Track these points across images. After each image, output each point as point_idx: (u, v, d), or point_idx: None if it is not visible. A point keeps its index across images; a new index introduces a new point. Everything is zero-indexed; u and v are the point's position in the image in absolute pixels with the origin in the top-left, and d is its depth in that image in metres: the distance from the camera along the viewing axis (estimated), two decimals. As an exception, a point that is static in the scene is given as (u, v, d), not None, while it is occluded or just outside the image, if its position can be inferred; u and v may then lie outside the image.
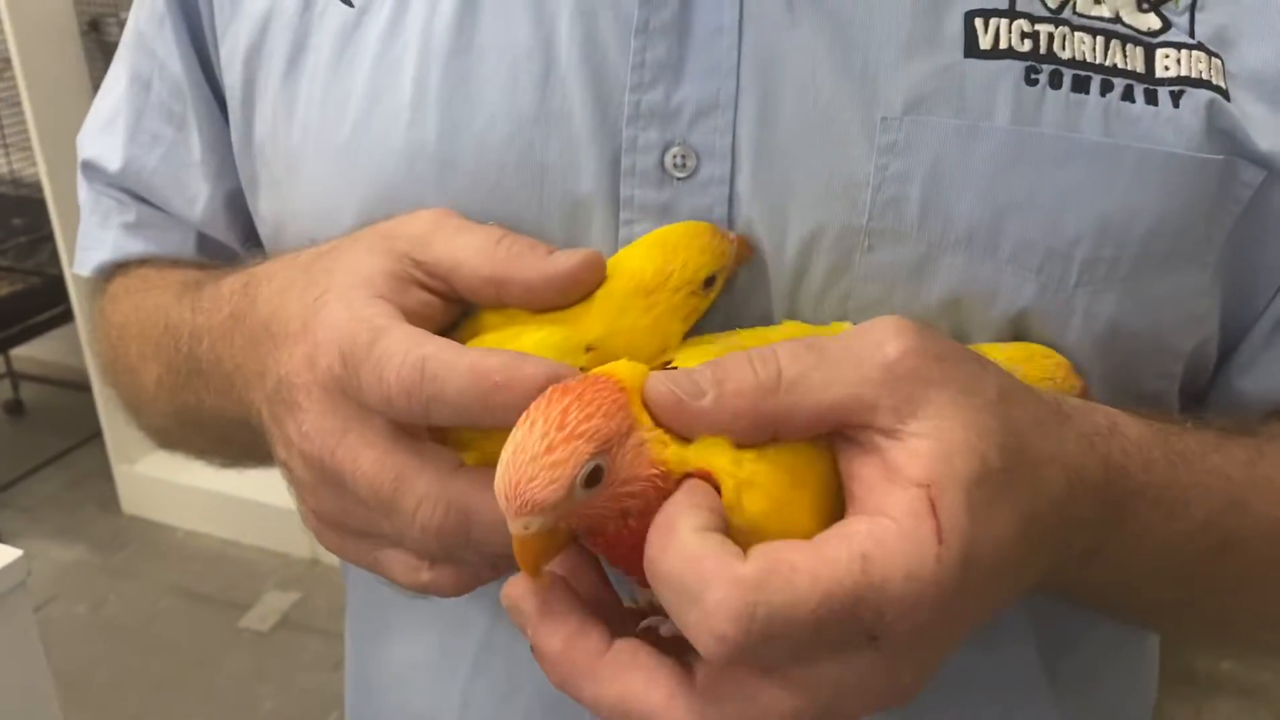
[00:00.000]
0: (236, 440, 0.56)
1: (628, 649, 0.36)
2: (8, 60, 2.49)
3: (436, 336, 0.40)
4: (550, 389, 0.35)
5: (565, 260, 0.43)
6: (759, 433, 0.36)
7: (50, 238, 2.65)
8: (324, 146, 0.50)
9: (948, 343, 0.38)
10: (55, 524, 2.77)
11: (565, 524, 0.35)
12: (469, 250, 0.43)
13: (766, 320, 0.46)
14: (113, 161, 0.62)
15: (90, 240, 0.64)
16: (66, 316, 2.80)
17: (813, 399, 0.36)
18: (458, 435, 0.42)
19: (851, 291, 0.45)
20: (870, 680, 0.35)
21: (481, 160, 0.47)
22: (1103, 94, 0.45)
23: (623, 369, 0.37)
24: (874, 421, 0.36)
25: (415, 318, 0.42)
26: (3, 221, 2.96)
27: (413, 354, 0.39)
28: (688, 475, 0.36)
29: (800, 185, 0.45)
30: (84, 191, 0.65)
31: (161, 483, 2.76)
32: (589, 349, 0.43)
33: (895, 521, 0.34)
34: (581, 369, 0.41)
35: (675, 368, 0.41)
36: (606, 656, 0.36)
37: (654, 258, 0.44)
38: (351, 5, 0.50)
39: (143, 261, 0.63)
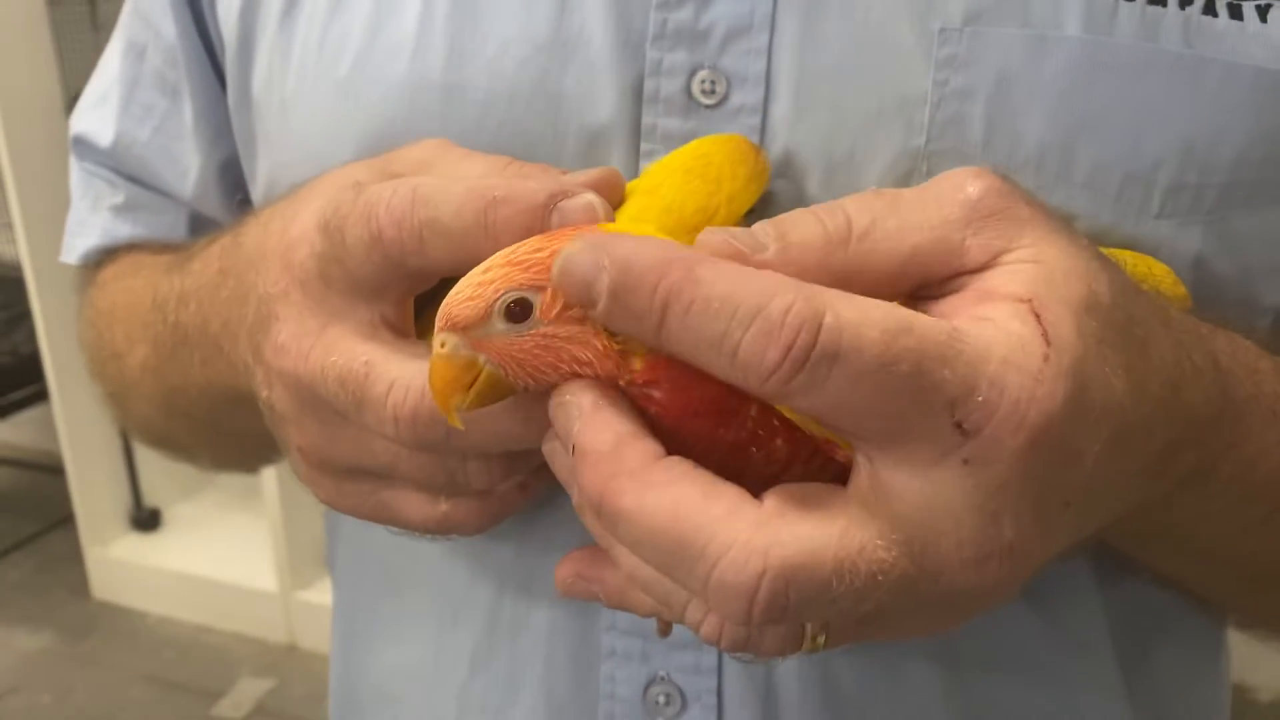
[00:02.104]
0: (222, 424, 0.52)
1: (683, 462, 0.30)
2: (-10, 138, 2.48)
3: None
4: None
5: (580, 178, 0.38)
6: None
7: (28, 315, 2.60)
8: (320, 87, 0.47)
9: (1033, 196, 0.33)
10: (22, 610, 2.66)
11: (492, 363, 0.32)
12: (475, 174, 0.39)
13: None
14: (104, 136, 0.60)
15: (79, 226, 0.62)
16: (41, 396, 2.74)
17: (889, 246, 0.31)
18: None
19: None
20: (964, 511, 0.29)
21: (491, 90, 0.43)
22: (1182, 6, 0.41)
23: (631, 225, 0.33)
24: (963, 266, 0.31)
25: None
26: (-20, 299, 2.92)
27: (404, 184, 0.36)
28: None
29: (848, 108, 0.41)
30: (75, 172, 0.63)
31: (134, 566, 2.67)
32: None
33: (994, 321, 0.29)
34: None
35: None
36: (662, 462, 0.30)
37: (695, 190, 0.39)
38: None
39: (132, 247, 0.60)
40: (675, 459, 0.30)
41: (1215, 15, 0.41)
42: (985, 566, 0.29)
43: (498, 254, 0.32)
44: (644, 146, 0.42)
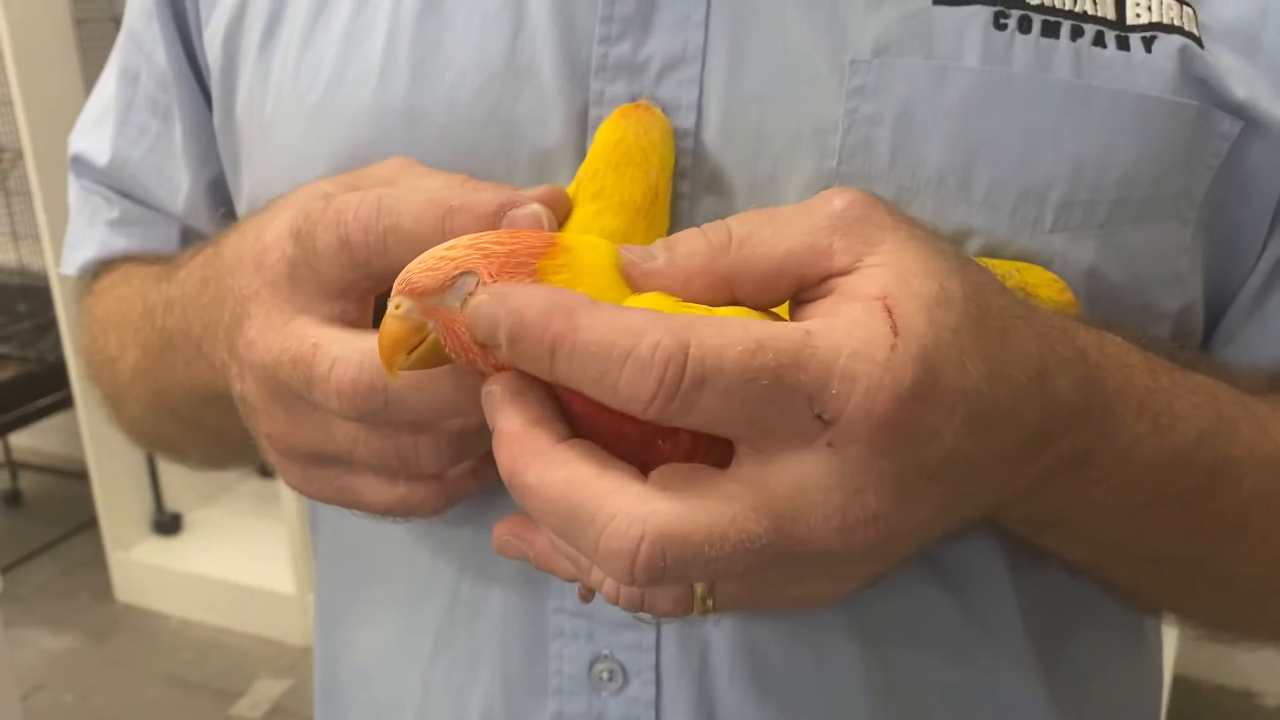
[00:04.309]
0: (204, 421, 0.56)
1: (584, 444, 0.34)
2: (19, 152, 2.55)
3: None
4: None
5: (528, 193, 0.42)
6: (714, 292, 0.36)
7: (54, 324, 2.67)
8: (295, 111, 0.51)
9: (899, 210, 0.37)
10: (47, 612, 2.73)
11: (438, 331, 0.36)
12: (434, 188, 0.43)
13: None
14: (101, 155, 0.64)
15: (76, 240, 0.66)
16: (67, 403, 2.81)
17: (765, 251, 0.35)
18: None
19: None
20: (830, 489, 0.32)
21: (451, 115, 0.47)
22: (1073, 39, 0.44)
23: (583, 238, 0.37)
24: (831, 267, 0.35)
25: None
26: (8, 307, 2.98)
27: (370, 194, 0.40)
28: None
29: (770, 133, 0.45)
30: (73, 189, 0.67)
31: (155, 569, 2.73)
32: None
33: (847, 317, 0.33)
34: None
35: None
36: (563, 443, 0.34)
37: (633, 178, 0.43)
38: None
39: (127, 258, 0.64)
40: (577, 441, 0.34)
41: (1104, 46, 0.44)
42: (853, 534, 0.33)
43: (464, 236, 0.36)
44: None
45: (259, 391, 0.43)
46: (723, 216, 0.44)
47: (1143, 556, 0.46)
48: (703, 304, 0.36)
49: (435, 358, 0.37)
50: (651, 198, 0.43)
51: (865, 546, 0.33)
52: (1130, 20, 0.45)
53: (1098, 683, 0.56)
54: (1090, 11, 0.45)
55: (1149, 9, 0.45)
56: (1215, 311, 0.50)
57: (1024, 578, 0.50)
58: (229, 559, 2.70)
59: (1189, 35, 0.45)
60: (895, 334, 0.32)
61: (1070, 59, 0.44)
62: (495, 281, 0.35)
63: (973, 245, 0.44)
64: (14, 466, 3.25)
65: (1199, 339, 0.50)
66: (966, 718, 0.51)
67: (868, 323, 0.32)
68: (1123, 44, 0.44)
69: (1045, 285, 0.43)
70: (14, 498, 3.26)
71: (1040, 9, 0.44)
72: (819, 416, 0.32)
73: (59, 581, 2.87)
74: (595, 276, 0.36)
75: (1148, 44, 0.45)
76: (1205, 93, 0.45)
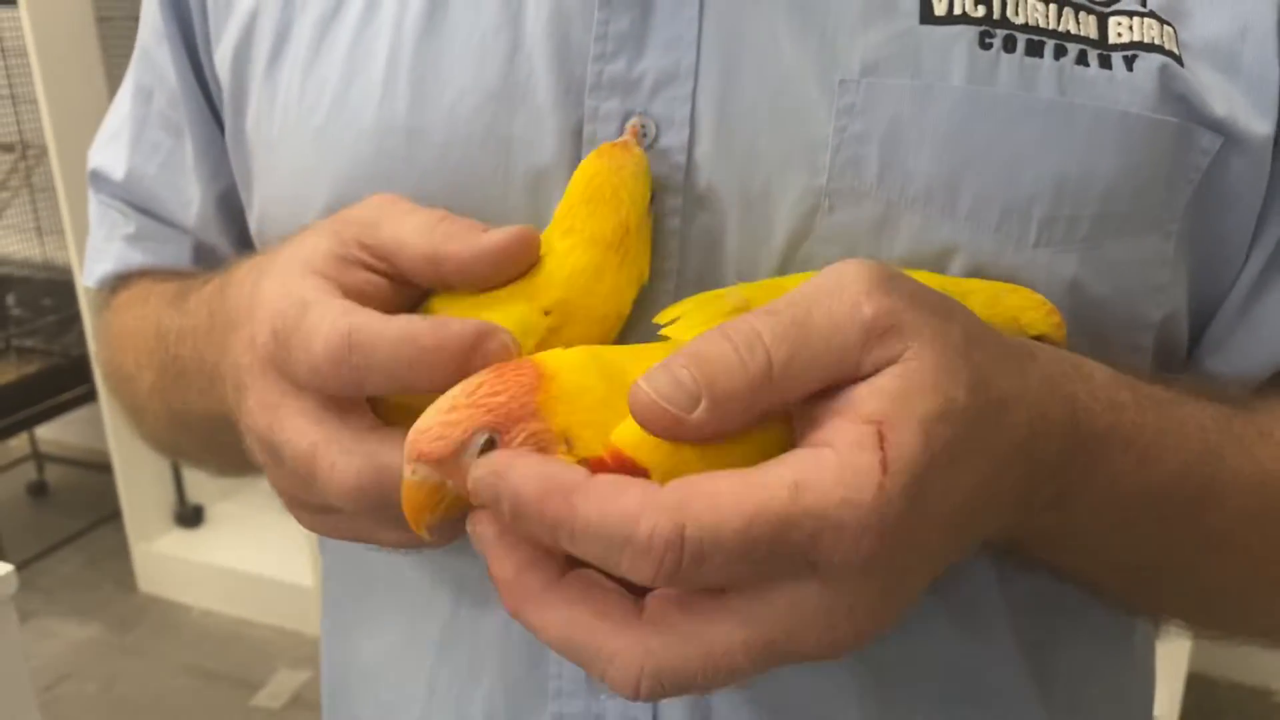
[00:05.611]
0: (222, 441, 0.57)
1: (580, 579, 0.36)
2: (44, 149, 2.58)
3: (365, 308, 0.41)
4: (485, 370, 0.37)
5: (496, 236, 0.43)
6: (747, 426, 0.36)
7: (79, 318, 2.70)
8: (301, 131, 0.52)
9: (914, 288, 0.38)
10: (71, 603, 2.77)
11: (456, 486, 0.36)
12: (410, 231, 0.44)
13: (725, 285, 0.46)
14: (117, 170, 0.65)
15: (96, 253, 0.68)
16: (91, 396, 2.84)
17: (804, 379, 0.35)
18: (394, 406, 0.43)
19: (814, 253, 0.46)
20: (820, 614, 0.34)
21: (449, 135, 0.48)
22: (1056, 58, 0.45)
23: (560, 357, 0.37)
24: (856, 377, 0.35)
25: (359, 296, 0.43)
26: (33, 302, 3.02)
27: (340, 324, 0.40)
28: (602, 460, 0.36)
29: (761, 150, 0.46)
30: (92, 203, 0.69)
31: (178, 561, 2.77)
32: (547, 312, 0.43)
33: (836, 451, 0.34)
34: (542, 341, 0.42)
35: (667, 338, 0.42)
36: (558, 584, 0.36)
37: (604, 214, 0.44)
38: None
39: (144, 273, 0.65)
40: (573, 577, 0.36)
41: (1087, 65, 0.45)
42: (842, 644, 0.35)
43: (458, 392, 0.36)
44: None
45: (263, 455, 0.44)
46: (715, 231, 0.46)
47: (1125, 565, 0.47)
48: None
49: (460, 507, 0.37)
50: (622, 233, 0.44)
51: (848, 646, 0.35)
52: (1112, 39, 0.46)
53: (1089, 685, 0.56)
54: (1073, 31, 0.46)
55: (1130, 28, 0.46)
56: (1200, 319, 0.51)
57: (1012, 583, 0.51)
58: (250, 551, 2.73)
59: (1169, 54, 0.46)
60: (884, 470, 0.33)
61: (1054, 78, 0.45)
62: (505, 434, 0.35)
63: (958, 260, 0.45)
64: (40, 459, 3.29)
65: (1184, 347, 0.51)
66: None
67: (857, 459, 0.33)
68: (1105, 63, 0.45)
69: (1033, 308, 0.44)
70: (40, 489, 3.30)
71: (1025, 29, 0.45)
72: (811, 563, 0.33)
73: (83, 572, 2.91)
74: (585, 396, 0.36)
75: (1129, 62, 0.45)
76: (1185, 109, 0.46)
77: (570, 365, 0.37)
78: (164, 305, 0.58)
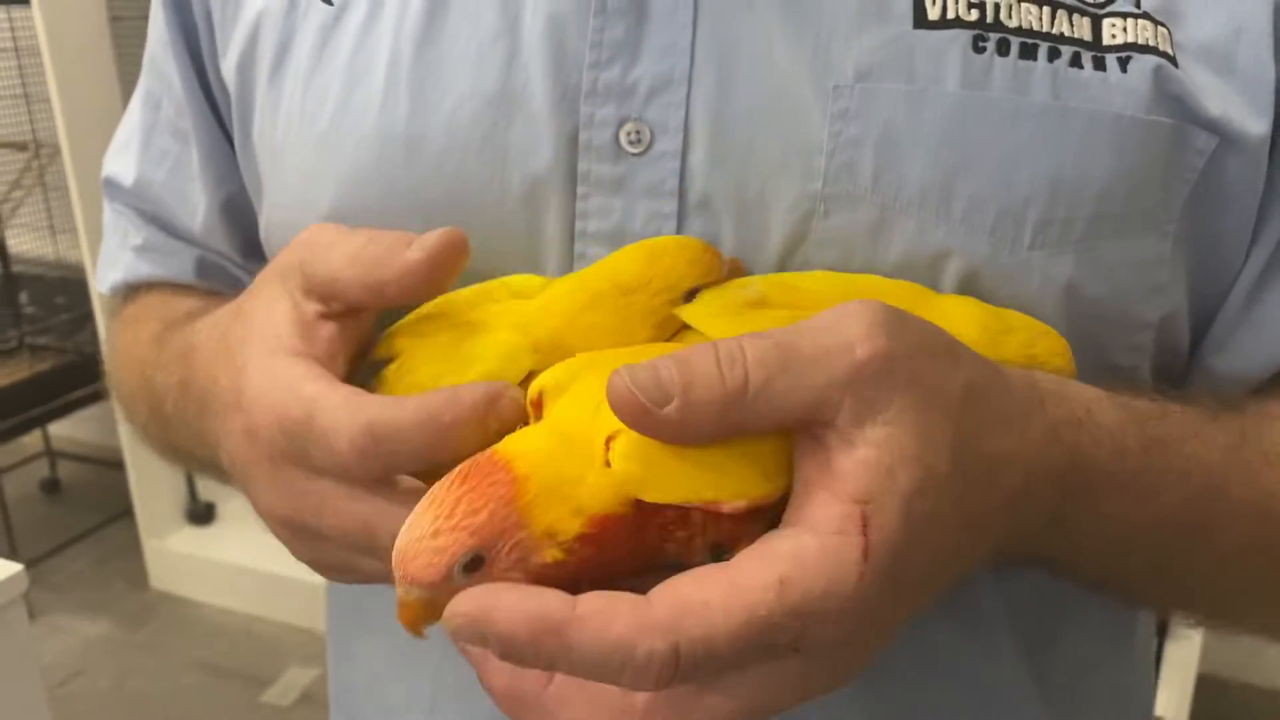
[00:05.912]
0: (223, 466, 0.58)
1: (570, 687, 0.36)
2: (57, 148, 2.59)
3: (368, 395, 0.41)
4: (454, 474, 0.36)
5: (419, 247, 0.43)
6: (716, 439, 0.36)
7: (91, 316, 2.72)
8: (304, 138, 0.52)
9: (921, 335, 0.37)
10: (83, 599, 2.78)
11: (449, 598, 0.36)
12: (341, 264, 0.44)
13: None
14: (128, 177, 0.66)
15: (109, 260, 0.69)
16: (103, 394, 2.85)
17: (778, 403, 0.35)
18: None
19: (809, 257, 0.46)
20: (801, 680, 0.35)
21: (448, 141, 0.48)
22: (1050, 61, 0.45)
23: (527, 442, 0.37)
24: (834, 421, 0.35)
25: (333, 354, 0.44)
26: (46, 300, 3.04)
27: (357, 422, 0.40)
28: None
29: (756, 155, 0.46)
30: (106, 211, 0.70)
31: (189, 557, 2.78)
32: (536, 349, 0.43)
33: (820, 539, 0.34)
34: (530, 373, 0.42)
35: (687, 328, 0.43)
36: (550, 689, 0.36)
37: (638, 261, 0.44)
38: (331, 3, 0.52)
39: (150, 286, 0.67)
40: (560, 684, 0.36)
41: (1081, 68, 0.45)
42: (817, 694, 0.36)
43: (437, 513, 0.36)
44: (580, 190, 0.48)
45: (286, 534, 0.45)
46: (711, 236, 0.46)
47: (1121, 571, 0.48)
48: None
49: None
50: (640, 283, 0.44)
51: (834, 690, 0.37)
52: (1106, 41, 0.46)
53: (1089, 680, 0.57)
54: (1067, 33, 0.46)
55: (1124, 30, 0.46)
56: (1202, 319, 0.51)
57: (1010, 579, 0.51)
58: (261, 548, 2.73)
59: (1163, 55, 0.46)
60: (866, 557, 0.34)
61: (1048, 80, 0.45)
62: (491, 550, 0.35)
63: (953, 263, 0.45)
64: (52, 456, 3.31)
65: (1186, 347, 0.51)
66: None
67: (840, 549, 0.34)
68: (1099, 64, 0.46)
69: (1059, 355, 0.45)
70: (53, 486, 3.32)
71: (1018, 31, 0.45)
72: (795, 649, 0.34)
73: (95, 569, 2.93)
74: (561, 485, 0.36)
75: (1123, 64, 0.46)
76: (1180, 110, 0.46)
77: (541, 456, 0.37)
78: (150, 347, 0.59)
